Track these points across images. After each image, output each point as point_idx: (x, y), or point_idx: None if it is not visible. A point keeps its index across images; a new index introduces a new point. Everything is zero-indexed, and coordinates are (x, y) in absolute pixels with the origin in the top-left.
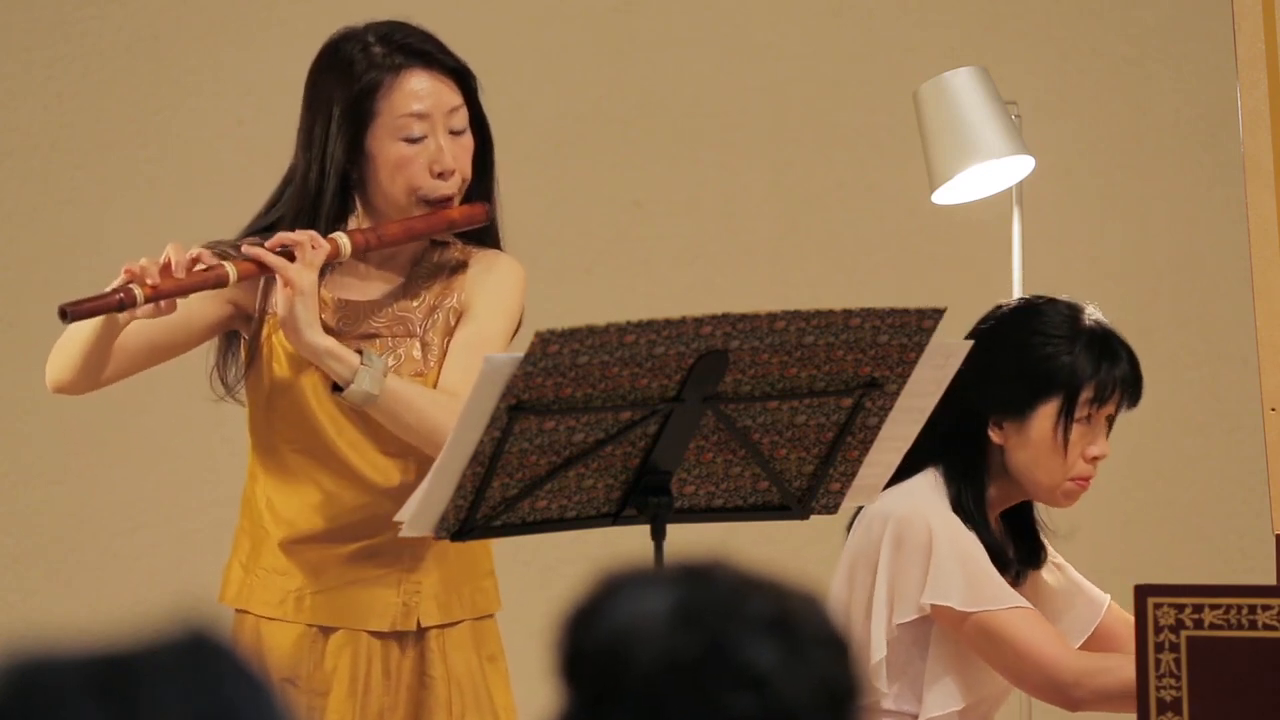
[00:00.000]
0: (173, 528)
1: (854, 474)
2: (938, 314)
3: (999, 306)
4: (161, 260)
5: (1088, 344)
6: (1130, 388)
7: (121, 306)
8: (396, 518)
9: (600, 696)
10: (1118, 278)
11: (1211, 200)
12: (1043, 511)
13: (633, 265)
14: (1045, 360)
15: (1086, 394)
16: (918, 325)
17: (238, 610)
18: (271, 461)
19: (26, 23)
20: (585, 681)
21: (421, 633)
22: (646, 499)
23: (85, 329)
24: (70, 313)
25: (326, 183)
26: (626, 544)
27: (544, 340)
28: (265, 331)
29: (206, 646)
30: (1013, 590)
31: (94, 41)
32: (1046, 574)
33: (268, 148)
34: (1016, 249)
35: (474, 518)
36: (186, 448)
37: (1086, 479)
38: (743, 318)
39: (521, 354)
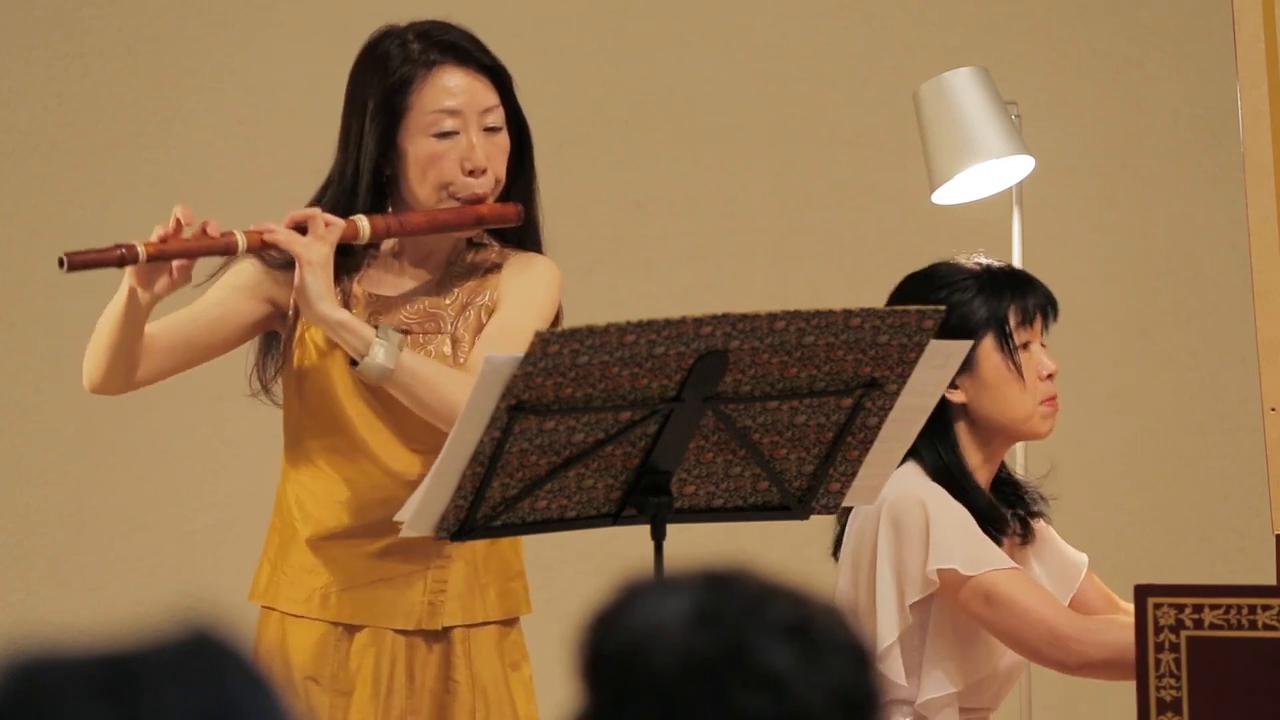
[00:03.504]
0: (174, 528)
1: (854, 474)
2: (938, 314)
3: (900, 284)
4: (170, 223)
5: (990, 279)
6: (1046, 301)
7: (123, 261)
8: (396, 518)
9: (619, 696)
10: (1118, 278)
11: (1211, 200)
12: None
13: (633, 266)
14: (961, 307)
15: (1014, 318)
16: (918, 325)
17: (264, 607)
18: (301, 459)
19: (26, 23)
20: (604, 682)
21: (446, 633)
22: (646, 499)
23: (109, 321)
24: (68, 261)
25: (360, 180)
26: (627, 544)
27: (544, 340)
28: (299, 329)
29: (209, 645)
30: (1005, 555)
31: (94, 41)
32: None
33: (268, 148)
34: (1016, 249)
35: (474, 518)
36: (187, 449)
37: (1053, 397)
38: (743, 318)
39: (521, 354)
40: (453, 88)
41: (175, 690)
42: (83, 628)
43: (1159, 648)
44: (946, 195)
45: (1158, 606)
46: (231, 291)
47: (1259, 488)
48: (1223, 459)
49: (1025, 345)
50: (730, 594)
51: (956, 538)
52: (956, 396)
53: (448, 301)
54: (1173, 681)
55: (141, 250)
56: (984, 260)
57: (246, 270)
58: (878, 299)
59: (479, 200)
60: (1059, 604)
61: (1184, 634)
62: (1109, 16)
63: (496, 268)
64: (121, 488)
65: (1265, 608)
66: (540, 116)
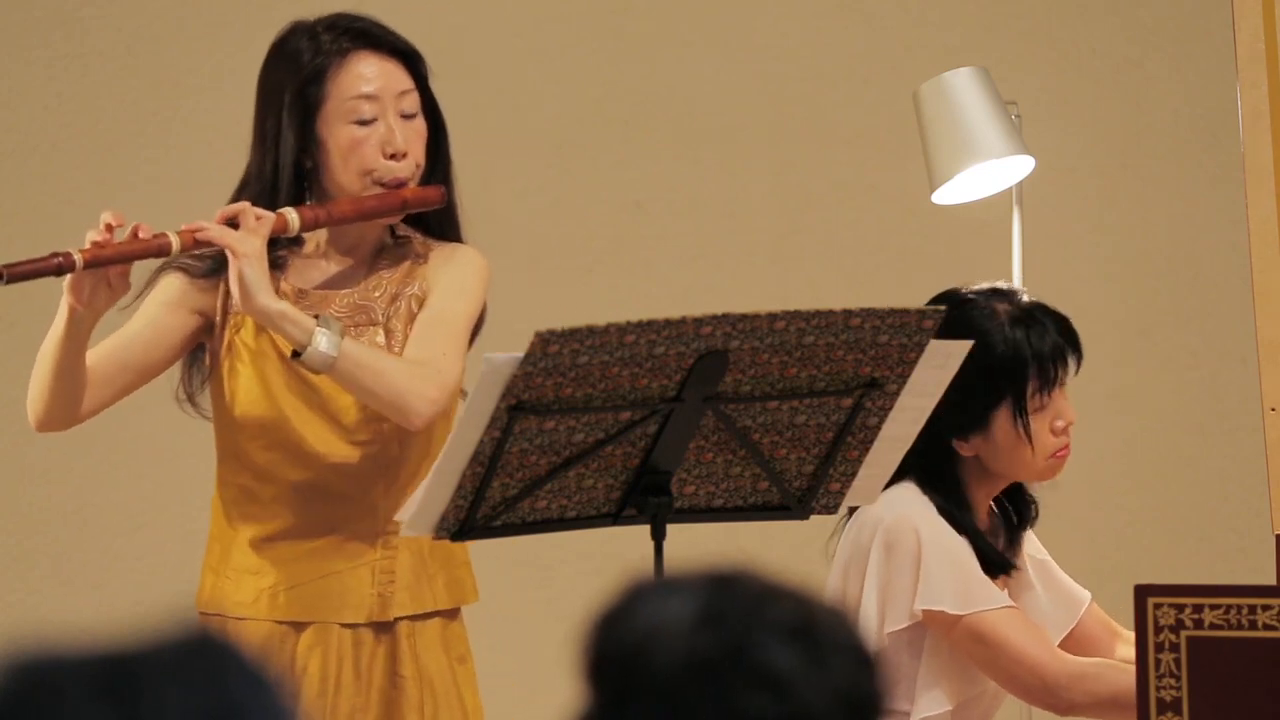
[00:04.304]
0: (173, 528)
1: (854, 474)
2: (938, 314)
3: (932, 300)
4: (101, 228)
5: (1013, 336)
6: (1070, 356)
7: (60, 270)
8: (396, 517)
9: (621, 696)
10: (1118, 278)
11: (1211, 200)
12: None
13: (633, 266)
14: (982, 370)
15: (1032, 386)
16: (918, 325)
17: (203, 614)
18: (238, 463)
19: (26, 22)
20: (607, 682)
21: (392, 628)
22: (646, 499)
23: (51, 351)
24: (7, 274)
25: (281, 175)
26: (627, 544)
27: (544, 340)
28: (228, 334)
29: (210, 645)
30: (1000, 592)
31: (94, 41)
32: (1031, 569)
33: None
34: (1016, 249)
35: (474, 518)
36: (187, 447)
37: (1064, 449)
38: (743, 318)
39: (521, 354)
40: (368, 74)
41: (176, 690)
42: (84, 627)
43: (1159, 648)
44: (946, 195)
45: (1158, 606)
46: (159, 308)
47: (1259, 488)
48: (1223, 459)
49: (1040, 407)
50: (733, 594)
51: (947, 574)
52: (966, 450)
53: (377, 294)
54: (1173, 681)
55: (78, 257)
56: (1005, 303)
57: (171, 285)
58: (878, 299)
59: (402, 184)
60: (1051, 647)
61: (1184, 634)
62: (1109, 16)
63: (422, 257)
64: (123, 486)
65: (1265, 608)
66: (540, 116)
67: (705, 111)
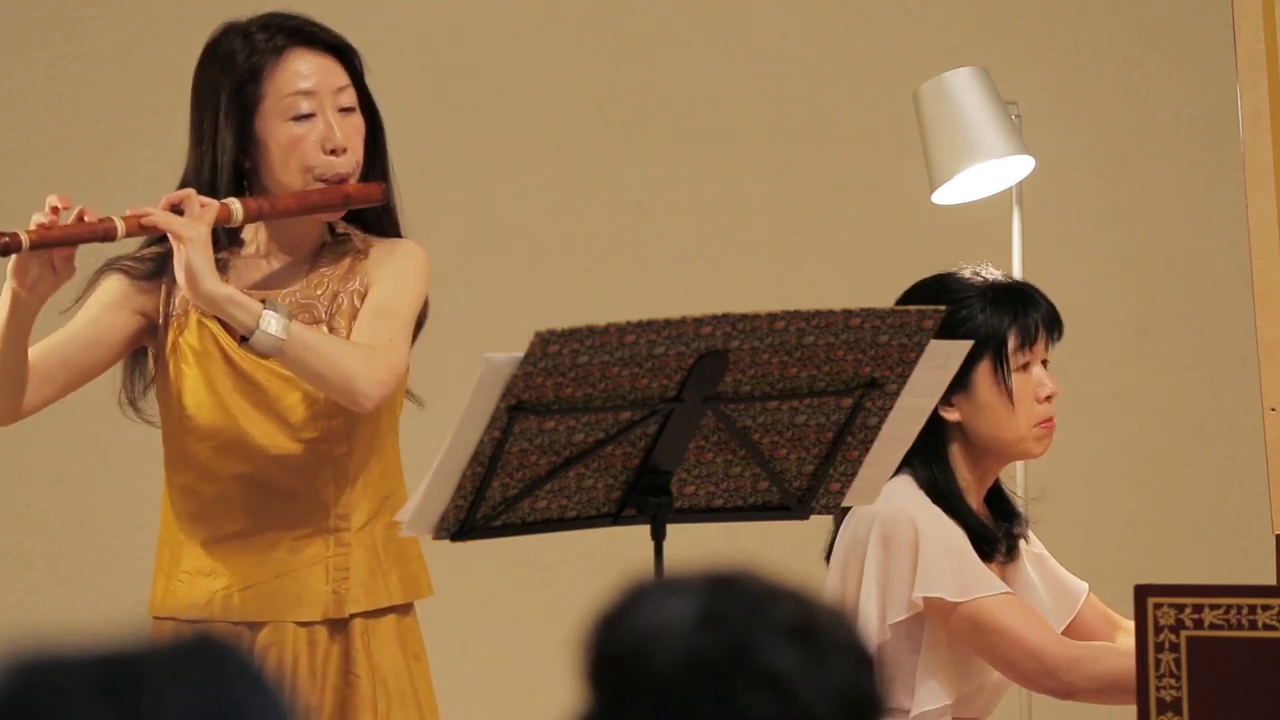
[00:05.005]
0: None
1: (854, 474)
2: (938, 314)
3: (906, 292)
4: (46, 210)
5: (995, 296)
6: (1051, 323)
7: (7, 250)
8: (396, 517)
9: (621, 696)
10: (1118, 278)
11: (1211, 200)
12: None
13: (633, 266)
14: (963, 324)
15: (1013, 342)
16: (918, 325)
17: (159, 619)
18: (187, 465)
19: (26, 22)
20: (607, 682)
21: (346, 626)
22: (646, 499)
23: None
24: None
25: (220, 175)
26: (627, 544)
27: (544, 340)
28: (171, 335)
29: (211, 646)
30: (998, 579)
31: (94, 41)
32: (1028, 562)
33: None
34: (1016, 249)
35: (474, 518)
36: None
37: (1049, 419)
38: (743, 318)
39: (521, 354)
40: (304, 70)
41: (176, 690)
42: (83, 627)
43: (1159, 648)
44: (946, 195)
45: (1158, 606)
46: (102, 309)
47: (1259, 488)
48: (1223, 459)
49: (1024, 367)
50: (734, 595)
51: (945, 562)
52: (951, 415)
53: (319, 292)
54: (1173, 681)
55: (24, 237)
56: (989, 274)
57: (113, 286)
58: (878, 299)
59: (343, 180)
60: (1050, 631)
61: (1184, 634)
62: (1109, 16)
63: (362, 254)
64: (121, 487)
65: (1265, 608)
66: (540, 117)
67: (705, 111)
